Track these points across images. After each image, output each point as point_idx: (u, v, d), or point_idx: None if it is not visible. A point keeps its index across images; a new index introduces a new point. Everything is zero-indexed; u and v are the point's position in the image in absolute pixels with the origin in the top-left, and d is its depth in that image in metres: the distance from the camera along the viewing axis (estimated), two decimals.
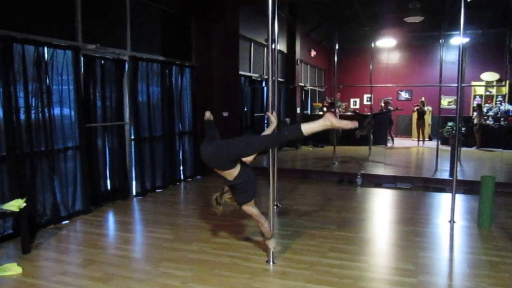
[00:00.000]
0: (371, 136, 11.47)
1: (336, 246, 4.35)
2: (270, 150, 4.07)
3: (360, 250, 4.27)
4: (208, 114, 4.15)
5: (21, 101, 4.68)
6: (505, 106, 13.43)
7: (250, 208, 3.61)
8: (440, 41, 9.22)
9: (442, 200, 6.48)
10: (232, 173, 3.42)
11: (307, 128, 3.06)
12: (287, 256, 4.07)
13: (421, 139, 13.56)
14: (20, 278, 3.59)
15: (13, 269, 3.69)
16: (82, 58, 5.47)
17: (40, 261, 3.98)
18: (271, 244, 3.84)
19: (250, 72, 10.34)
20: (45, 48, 4.94)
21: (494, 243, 4.46)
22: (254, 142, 3.38)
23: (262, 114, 10.54)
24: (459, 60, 5.29)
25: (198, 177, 8.08)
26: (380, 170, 9.12)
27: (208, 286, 3.42)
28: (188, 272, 3.70)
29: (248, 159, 3.63)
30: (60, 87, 5.21)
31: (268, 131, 3.78)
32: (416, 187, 7.33)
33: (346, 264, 3.89)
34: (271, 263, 3.87)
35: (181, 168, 7.78)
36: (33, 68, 4.80)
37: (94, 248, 4.33)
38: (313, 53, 14.89)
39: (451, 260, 4.14)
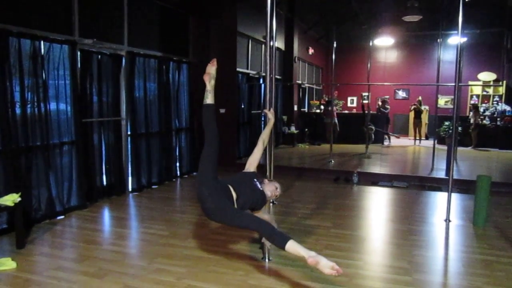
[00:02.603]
0: (372, 136, 11.51)
1: (331, 244, 4.35)
2: (267, 148, 4.06)
3: (355, 248, 4.27)
4: (207, 79, 3.20)
5: (17, 95, 4.65)
6: (502, 106, 13.47)
7: (261, 214, 3.59)
8: (438, 40, 9.22)
9: (438, 199, 6.50)
10: None
11: (293, 247, 2.69)
12: (283, 253, 4.03)
13: (417, 138, 13.60)
14: (15, 273, 3.58)
15: (7, 264, 3.68)
16: (78, 53, 5.44)
17: (35, 256, 3.96)
18: (268, 242, 3.83)
19: (247, 69, 10.32)
20: (42, 42, 4.90)
21: (489, 242, 4.48)
22: (247, 221, 2.95)
23: (259, 111, 10.52)
24: (456, 60, 5.30)
25: (195, 173, 8.06)
26: (377, 169, 9.13)
27: (203, 283, 3.42)
28: (183, 269, 3.70)
29: (253, 164, 3.53)
30: (56, 81, 5.17)
31: (266, 130, 3.75)
32: (412, 185, 7.35)
33: (341, 261, 3.88)
34: (266, 260, 3.87)
35: (178, 164, 7.77)
36: (29, 62, 4.78)
37: (89, 243, 4.32)
38: (311, 50, 14.87)
39: (446, 258, 4.15)
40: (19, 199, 4.14)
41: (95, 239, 4.48)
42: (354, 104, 16.74)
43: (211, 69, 3.23)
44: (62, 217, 5.18)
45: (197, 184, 3.10)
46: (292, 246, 2.68)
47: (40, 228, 4.75)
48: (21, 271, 3.62)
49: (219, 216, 2.98)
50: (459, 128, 10.93)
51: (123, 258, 3.99)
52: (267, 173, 4.17)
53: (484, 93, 14.93)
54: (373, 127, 11.46)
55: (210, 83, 3.21)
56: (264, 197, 3.35)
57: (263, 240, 3.82)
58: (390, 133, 13.90)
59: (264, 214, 3.54)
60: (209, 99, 3.20)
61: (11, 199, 4.10)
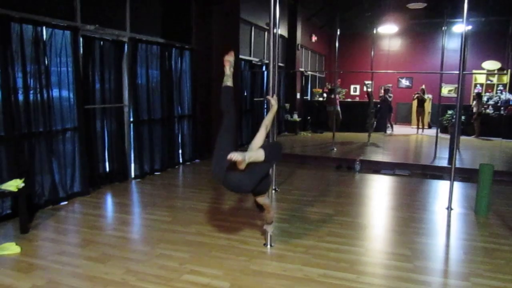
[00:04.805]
0: (374, 123, 11.50)
1: (333, 231, 4.37)
2: (270, 134, 4.06)
3: (357, 235, 4.29)
4: (228, 65, 3.43)
5: (19, 82, 4.65)
6: (506, 95, 13.39)
7: (263, 199, 3.62)
8: (443, 28, 9.14)
9: (440, 187, 6.50)
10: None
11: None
12: (285, 239, 4.09)
13: (420, 127, 13.57)
14: (18, 258, 3.61)
15: (11, 249, 3.71)
16: (81, 39, 5.42)
17: (38, 241, 4.00)
18: (270, 228, 3.87)
19: (250, 56, 10.27)
20: (44, 28, 4.87)
21: (491, 230, 4.49)
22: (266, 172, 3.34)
23: (262, 98, 10.50)
24: (461, 48, 5.25)
25: (197, 160, 8.08)
26: (379, 157, 9.13)
27: (206, 268, 3.45)
28: (186, 254, 3.73)
29: (255, 149, 3.51)
30: (58, 68, 5.16)
31: (269, 116, 3.74)
32: (415, 174, 7.35)
33: (342, 248, 3.92)
34: (268, 246, 3.90)
35: (180, 151, 7.78)
36: (31, 48, 4.75)
37: (92, 229, 4.35)
38: (314, 38, 14.77)
39: (447, 246, 4.16)
40: (23, 184, 4.16)
41: (98, 225, 4.51)
42: (357, 92, 16.67)
43: (231, 57, 3.45)
44: (65, 203, 5.21)
45: (216, 169, 3.15)
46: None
47: (43, 213, 4.78)
48: (25, 255, 3.66)
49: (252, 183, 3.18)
50: (462, 117, 10.90)
51: (126, 243, 4.02)
52: None
53: (488, 82, 14.83)
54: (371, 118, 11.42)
55: (230, 69, 3.44)
56: (269, 177, 3.51)
57: (265, 226, 3.86)
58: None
59: (266, 199, 3.60)
60: (229, 82, 3.40)
61: (14, 184, 4.12)
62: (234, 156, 2.83)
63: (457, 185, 6.23)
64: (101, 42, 5.80)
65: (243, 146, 9.30)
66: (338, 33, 10.20)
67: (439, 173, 7.32)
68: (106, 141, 6.05)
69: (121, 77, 6.24)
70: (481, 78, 14.89)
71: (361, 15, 12.97)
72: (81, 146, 5.44)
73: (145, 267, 3.45)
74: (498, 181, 6.34)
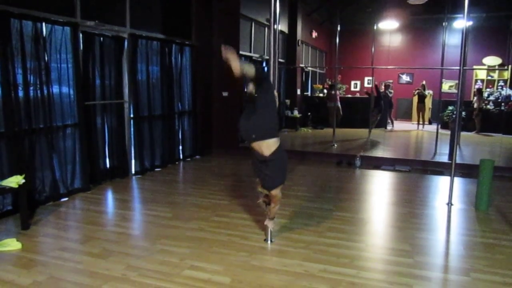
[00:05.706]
0: (377, 119, 11.50)
1: (333, 226, 4.37)
2: None
3: (357, 231, 4.30)
4: (251, 87, 3.65)
5: (19, 78, 4.64)
6: (506, 91, 13.36)
7: (278, 191, 3.64)
8: (443, 24, 9.11)
9: (440, 183, 6.50)
10: (272, 147, 3.45)
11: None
12: (285, 235, 4.10)
13: (421, 122, 13.56)
14: (19, 254, 3.62)
15: (12, 245, 3.72)
16: (80, 35, 5.40)
17: (39, 237, 4.00)
18: (271, 224, 3.87)
19: (250, 52, 10.25)
20: (43, 24, 4.86)
21: (491, 226, 4.50)
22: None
23: None
24: (462, 44, 5.23)
25: (197, 157, 8.08)
26: (379, 153, 9.12)
27: (206, 263, 3.45)
28: (187, 250, 3.73)
29: None
30: (58, 64, 5.15)
31: None
32: (415, 170, 7.35)
33: (343, 243, 3.92)
34: (269, 241, 3.91)
35: (180, 147, 7.78)
36: (31, 44, 4.74)
37: (93, 225, 4.35)
38: (314, 34, 14.72)
39: (447, 241, 4.17)
40: (23, 180, 4.17)
41: (99, 221, 4.52)
42: (358, 88, 16.64)
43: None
44: (66, 199, 5.22)
45: (240, 126, 3.51)
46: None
47: (44, 209, 4.79)
48: (26, 251, 3.66)
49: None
50: (463, 113, 10.89)
51: (127, 239, 4.03)
52: None
53: (489, 77, 14.81)
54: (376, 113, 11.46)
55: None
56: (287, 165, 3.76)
57: (267, 222, 3.86)
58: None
59: (280, 192, 3.66)
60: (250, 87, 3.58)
61: (15, 180, 4.12)
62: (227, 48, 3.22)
63: (457, 180, 6.23)
64: (101, 38, 5.79)
65: (243, 142, 9.28)
66: (339, 29, 10.17)
67: (439, 168, 7.32)
68: (106, 137, 6.05)
69: (121, 73, 6.23)
70: (481, 74, 14.87)
71: (362, 11, 12.93)
72: (81, 142, 5.45)
73: (146, 263, 3.46)
74: (499, 176, 6.34)
